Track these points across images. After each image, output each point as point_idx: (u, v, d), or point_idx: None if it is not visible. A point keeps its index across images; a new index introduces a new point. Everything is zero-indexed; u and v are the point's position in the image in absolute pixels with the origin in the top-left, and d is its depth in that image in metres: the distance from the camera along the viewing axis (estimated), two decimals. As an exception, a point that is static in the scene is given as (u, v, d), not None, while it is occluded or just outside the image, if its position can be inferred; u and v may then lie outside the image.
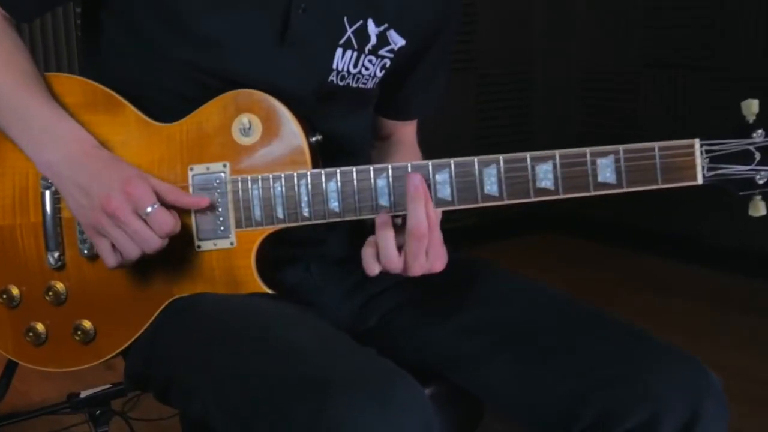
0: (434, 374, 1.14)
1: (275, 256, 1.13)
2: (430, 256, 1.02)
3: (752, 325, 2.97)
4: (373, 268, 1.03)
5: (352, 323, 1.18)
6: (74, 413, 1.67)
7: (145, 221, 1.04)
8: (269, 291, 1.10)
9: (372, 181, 1.07)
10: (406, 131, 1.36)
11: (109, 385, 1.58)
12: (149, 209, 1.03)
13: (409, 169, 1.06)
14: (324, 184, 1.08)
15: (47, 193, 1.13)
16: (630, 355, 1.02)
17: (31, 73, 1.13)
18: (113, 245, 1.06)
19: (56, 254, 1.14)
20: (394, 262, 1.02)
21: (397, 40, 1.18)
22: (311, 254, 1.20)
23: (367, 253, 1.04)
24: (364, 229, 1.12)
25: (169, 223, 1.04)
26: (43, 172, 1.11)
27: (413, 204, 1.01)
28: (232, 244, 1.10)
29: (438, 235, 1.02)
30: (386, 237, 1.02)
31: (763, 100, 1.02)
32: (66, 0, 1.18)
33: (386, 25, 1.16)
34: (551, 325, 1.08)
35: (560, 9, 3.96)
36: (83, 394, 1.56)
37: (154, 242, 1.04)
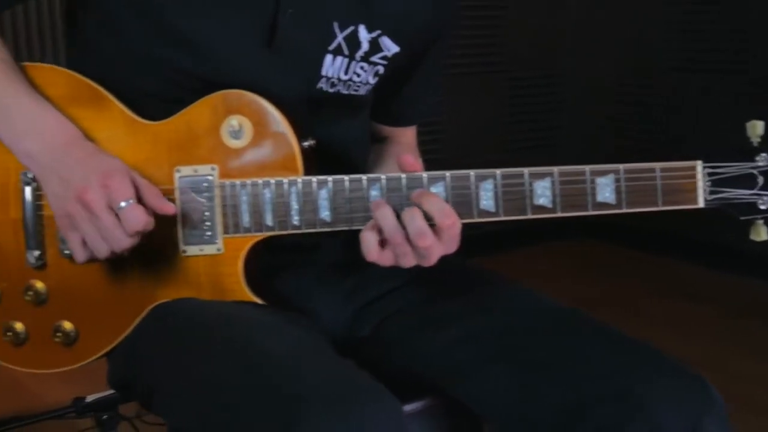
0: (429, 386, 1.12)
1: (266, 262, 1.10)
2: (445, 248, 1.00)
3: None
4: (373, 255, 1.01)
5: (345, 331, 1.16)
6: (80, 418, 1.64)
7: (117, 216, 1.00)
8: (257, 300, 1.07)
9: (365, 191, 1.04)
10: (407, 135, 1.33)
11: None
12: (123, 204, 0.99)
13: (404, 181, 1.03)
14: (315, 192, 1.05)
15: (28, 189, 1.09)
16: (628, 370, 0.99)
17: (10, 63, 1.09)
18: (84, 240, 1.03)
19: (36, 253, 1.10)
20: (397, 233, 0.99)
21: (391, 47, 1.14)
22: (303, 260, 1.17)
23: (370, 237, 1.01)
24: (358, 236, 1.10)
25: (139, 221, 0.99)
26: (23, 162, 1.07)
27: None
28: (219, 250, 1.07)
29: (451, 233, 1.00)
30: (385, 213, 1.00)
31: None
32: None
33: (379, 32, 1.12)
34: (549, 337, 1.06)
35: (591, 12, 3.87)
36: (89, 398, 1.53)
37: (122, 241, 1.00)
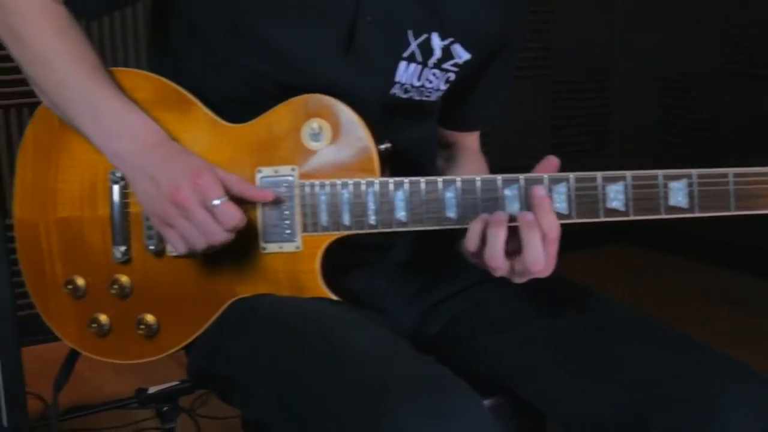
0: (495, 384, 1.14)
1: (340, 261, 1.13)
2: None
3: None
4: (474, 246, 1.03)
5: (415, 330, 1.19)
6: (142, 408, 1.69)
7: (212, 213, 1.04)
8: (333, 296, 1.11)
9: (440, 192, 1.07)
10: (470, 140, 1.36)
11: (177, 382, 1.60)
12: (216, 201, 1.04)
13: (478, 184, 1.06)
14: (392, 193, 1.08)
15: (116, 187, 1.14)
16: (698, 375, 1.00)
17: (99, 65, 1.14)
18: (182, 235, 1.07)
19: (123, 248, 1.15)
20: (500, 263, 1.01)
21: (462, 54, 1.17)
22: (376, 259, 1.20)
23: (473, 236, 1.03)
24: (430, 236, 1.13)
25: (235, 216, 1.04)
26: (113, 162, 1.12)
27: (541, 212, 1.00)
28: (297, 248, 1.11)
29: (554, 250, 1.01)
30: (498, 236, 1.01)
31: None
32: (131, 2, 1.19)
33: (451, 39, 1.15)
34: (617, 339, 1.07)
35: (639, 13, 3.86)
36: (151, 389, 1.58)
37: (219, 235, 1.05)
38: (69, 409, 1.94)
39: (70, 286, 1.18)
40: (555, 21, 3.68)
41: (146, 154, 1.09)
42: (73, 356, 1.26)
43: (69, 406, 2.21)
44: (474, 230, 1.03)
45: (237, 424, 2.22)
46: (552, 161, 1.05)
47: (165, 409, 1.69)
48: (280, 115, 1.11)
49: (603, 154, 3.89)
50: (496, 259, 1.01)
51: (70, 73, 1.12)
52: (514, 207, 1.05)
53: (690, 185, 1.02)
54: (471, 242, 1.03)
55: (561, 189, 1.05)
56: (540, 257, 0.99)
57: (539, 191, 1.01)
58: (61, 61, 1.12)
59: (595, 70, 3.88)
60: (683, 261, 3.72)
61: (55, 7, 1.13)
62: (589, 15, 3.80)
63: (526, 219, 1.00)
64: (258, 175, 1.11)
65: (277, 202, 1.10)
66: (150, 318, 1.16)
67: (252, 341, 1.07)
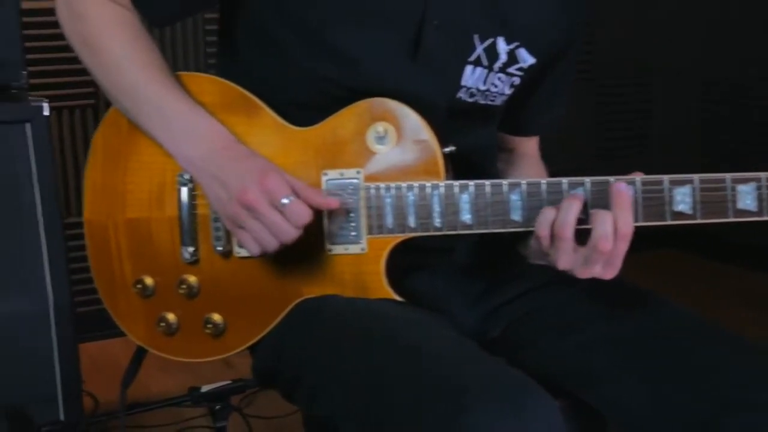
0: (557, 387, 1.14)
1: (402, 262, 1.14)
2: (605, 266, 1.02)
3: None
4: (543, 232, 1.04)
5: (476, 332, 1.19)
6: (194, 407, 1.72)
7: (281, 212, 1.06)
8: (397, 297, 1.12)
9: (505, 194, 1.08)
10: (530, 145, 1.37)
11: (229, 381, 1.63)
12: (285, 200, 1.05)
13: (543, 187, 1.07)
14: (457, 196, 1.10)
15: (184, 189, 1.17)
16: (766, 381, 1.00)
17: (168, 71, 1.16)
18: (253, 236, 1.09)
19: (191, 249, 1.17)
20: (569, 233, 1.01)
21: (527, 59, 1.18)
22: (438, 262, 1.21)
23: (546, 215, 1.04)
24: (491, 239, 1.14)
25: (304, 214, 1.06)
26: (184, 166, 1.15)
27: (617, 210, 1.01)
28: (362, 249, 1.12)
29: (623, 249, 1.02)
30: (572, 206, 1.02)
31: None
32: (201, 9, 1.21)
33: (517, 44, 1.16)
34: (685, 345, 1.07)
35: (681, 18, 3.83)
36: (204, 388, 1.61)
37: (290, 233, 1.06)
38: (126, 407, 1.97)
39: (139, 286, 1.20)
40: (597, 25, 3.66)
41: (214, 157, 1.11)
42: (140, 354, 1.29)
43: (118, 403, 2.25)
44: (546, 216, 1.04)
45: (283, 424, 2.25)
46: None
47: (217, 407, 1.72)
48: (345, 119, 1.13)
49: (645, 159, 3.86)
50: (566, 229, 1.01)
51: (140, 79, 1.14)
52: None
53: (759, 188, 1.02)
54: (542, 227, 1.03)
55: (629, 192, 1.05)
56: (609, 235, 0.99)
57: (621, 186, 1.02)
58: (131, 68, 1.14)
59: (637, 74, 3.86)
60: (724, 267, 3.67)
61: (126, 15, 1.16)
62: (631, 18, 3.78)
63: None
64: (324, 178, 1.13)
65: (340, 211, 1.11)
66: (217, 317, 1.18)
67: (320, 340, 1.09)
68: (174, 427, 2.25)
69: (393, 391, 0.94)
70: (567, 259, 1.03)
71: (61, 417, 1.81)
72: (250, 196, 1.05)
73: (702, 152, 3.80)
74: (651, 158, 3.88)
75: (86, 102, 2.64)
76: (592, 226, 1.01)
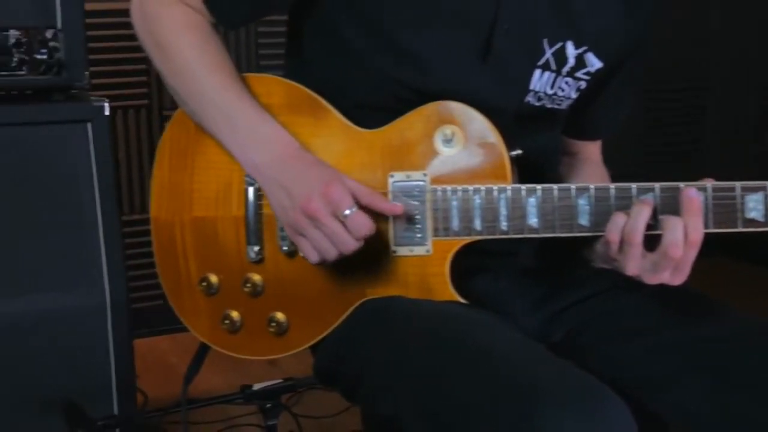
0: (619, 393, 1.14)
1: (465, 265, 1.15)
2: (674, 272, 1.02)
3: None
4: (613, 236, 1.03)
5: (538, 336, 1.19)
6: (245, 405, 1.74)
7: (342, 223, 1.07)
8: (461, 299, 1.12)
9: (573, 199, 1.08)
10: (593, 149, 1.37)
11: (279, 380, 1.64)
12: (347, 212, 1.06)
13: (612, 192, 1.07)
14: (524, 199, 1.10)
15: (251, 189, 1.18)
16: None
17: (236, 76, 1.18)
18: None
19: (256, 248, 1.19)
20: (638, 238, 1.01)
21: (595, 63, 1.18)
22: (501, 265, 1.21)
23: (617, 220, 1.03)
24: (555, 243, 1.13)
25: (365, 226, 1.07)
26: (248, 171, 1.16)
27: (688, 217, 1.01)
28: (427, 251, 1.13)
29: (692, 255, 1.01)
30: (642, 210, 1.01)
31: None
32: (271, 12, 1.23)
33: (585, 48, 1.16)
34: (750, 353, 1.06)
35: (733, 22, 3.77)
36: (255, 386, 1.62)
37: (350, 244, 1.07)
38: (178, 403, 2.00)
39: (204, 284, 1.22)
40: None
41: (279, 164, 1.12)
42: (203, 351, 1.31)
43: (167, 399, 2.28)
44: (616, 221, 1.03)
45: (332, 423, 2.26)
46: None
47: (268, 406, 1.73)
48: (412, 122, 1.13)
49: (694, 163, 3.82)
50: (636, 234, 1.01)
51: (208, 83, 1.16)
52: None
53: (834, 197, 1.01)
54: (612, 232, 1.03)
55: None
56: (680, 241, 0.99)
57: (692, 192, 1.01)
58: (200, 72, 1.16)
59: (689, 78, 3.82)
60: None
61: (197, 18, 1.17)
62: (684, 23, 3.74)
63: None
64: (390, 180, 1.13)
65: (410, 215, 1.12)
66: (280, 316, 1.19)
67: (387, 340, 1.09)
68: (221, 424, 2.28)
69: (465, 392, 0.95)
70: (635, 264, 1.03)
71: (115, 411, 1.84)
72: (313, 206, 1.07)
73: (753, 158, 3.73)
74: (700, 164, 3.83)
75: (140, 102, 2.68)
76: (663, 233, 1.01)
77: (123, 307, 1.80)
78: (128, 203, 2.76)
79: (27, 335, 1.73)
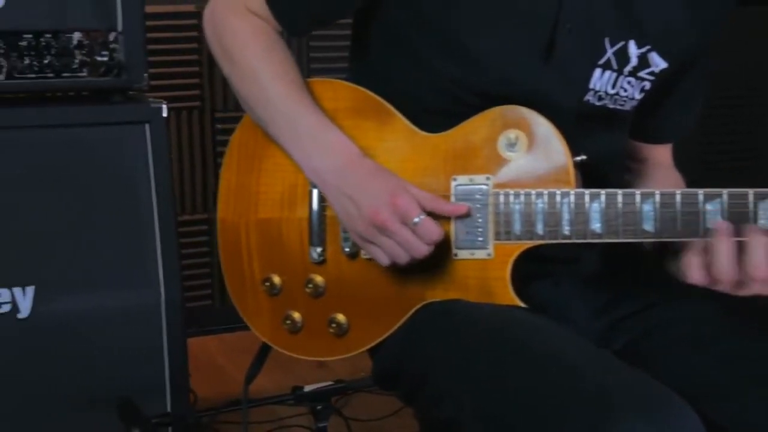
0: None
1: (526, 270, 1.15)
2: (763, 285, 1.01)
3: None
4: (697, 277, 1.03)
5: (598, 343, 1.19)
6: (296, 406, 1.76)
7: (413, 230, 1.09)
8: (522, 304, 1.13)
9: (638, 205, 1.08)
10: (664, 153, 1.36)
11: (330, 382, 1.66)
12: (416, 219, 1.08)
13: (678, 197, 1.06)
14: (587, 204, 1.10)
15: (315, 191, 1.20)
16: None
17: (300, 83, 1.20)
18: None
19: (319, 249, 1.20)
20: (730, 275, 1.01)
21: (659, 63, 1.17)
22: (562, 271, 1.21)
23: (693, 262, 1.03)
24: (617, 250, 1.13)
25: (435, 232, 1.08)
26: (311, 178, 1.18)
27: None
28: (489, 255, 1.13)
29: None
30: (723, 249, 1.01)
31: None
32: (337, 18, 1.25)
33: (648, 47, 1.15)
34: None
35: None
36: (307, 388, 1.64)
37: (422, 249, 1.09)
38: (230, 402, 2.02)
39: (267, 284, 1.24)
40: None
41: (342, 173, 1.14)
42: (264, 350, 1.33)
43: (216, 399, 2.30)
44: (693, 262, 1.03)
45: (380, 426, 2.27)
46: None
47: (319, 408, 1.75)
48: (476, 125, 1.14)
49: (754, 172, 3.76)
50: (725, 273, 1.00)
51: (273, 90, 1.18)
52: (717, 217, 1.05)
53: None
54: (695, 276, 1.03)
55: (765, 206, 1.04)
56: (763, 262, 0.98)
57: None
58: (266, 79, 1.18)
59: (747, 86, 3.76)
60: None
61: (264, 26, 1.20)
62: (742, 27, 3.68)
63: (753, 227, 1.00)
64: (453, 183, 1.14)
65: (469, 215, 1.13)
66: (341, 317, 1.21)
67: (449, 344, 1.10)
68: (270, 425, 2.30)
69: (532, 397, 0.95)
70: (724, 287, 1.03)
71: (168, 410, 1.87)
72: (382, 216, 1.08)
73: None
74: (760, 173, 3.76)
75: (192, 104, 2.71)
76: (747, 251, 1.00)
77: (178, 307, 1.83)
78: (179, 204, 2.80)
79: (83, 333, 1.76)
